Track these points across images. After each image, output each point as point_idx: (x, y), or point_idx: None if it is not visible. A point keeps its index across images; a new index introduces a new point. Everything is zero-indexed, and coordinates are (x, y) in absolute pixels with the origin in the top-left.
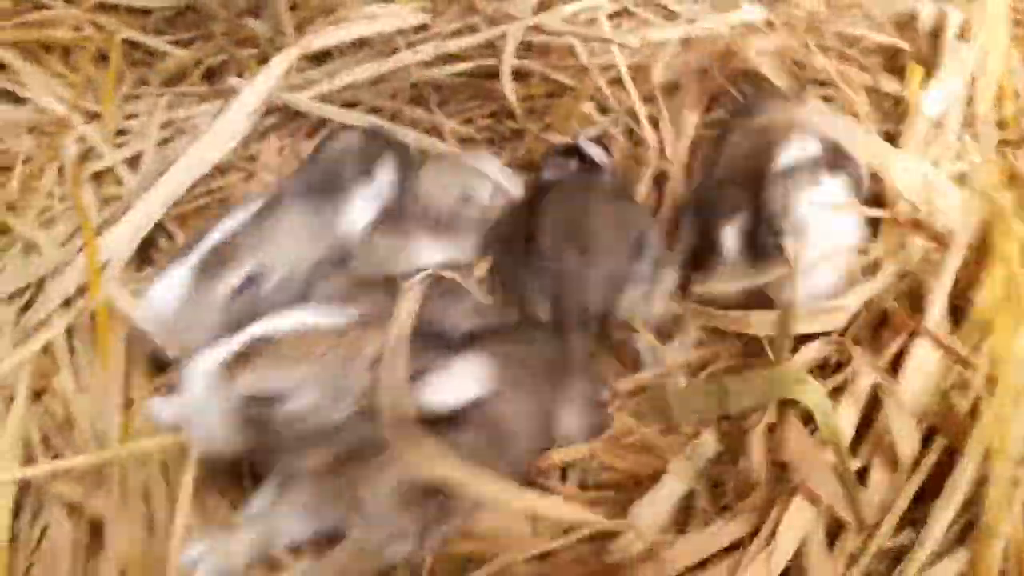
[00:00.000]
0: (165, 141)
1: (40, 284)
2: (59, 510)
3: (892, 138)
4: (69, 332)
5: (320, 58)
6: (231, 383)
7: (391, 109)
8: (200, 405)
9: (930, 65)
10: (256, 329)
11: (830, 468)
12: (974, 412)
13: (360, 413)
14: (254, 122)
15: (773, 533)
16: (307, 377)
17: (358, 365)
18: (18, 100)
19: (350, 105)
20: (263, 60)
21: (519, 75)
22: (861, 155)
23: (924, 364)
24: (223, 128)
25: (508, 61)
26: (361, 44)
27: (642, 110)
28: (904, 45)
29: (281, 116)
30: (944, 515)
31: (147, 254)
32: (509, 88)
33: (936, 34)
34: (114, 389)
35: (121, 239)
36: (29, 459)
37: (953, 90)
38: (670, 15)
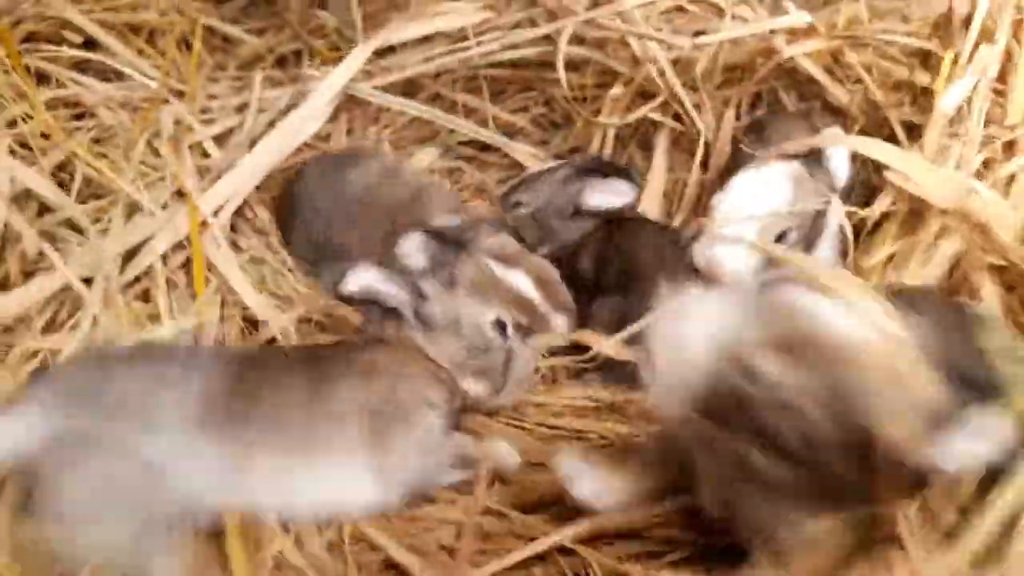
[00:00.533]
0: (242, 123)
1: (145, 241)
2: None
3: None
4: (168, 283)
5: (385, 49)
6: None
7: (449, 99)
8: None
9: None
10: None
11: None
12: None
13: None
14: (332, 108)
15: None
16: None
17: None
18: (109, 78)
19: (410, 94)
20: (333, 49)
21: (572, 66)
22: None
23: None
24: (306, 112)
25: (562, 51)
26: (425, 38)
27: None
28: (933, 47)
29: (348, 101)
30: None
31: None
32: (563, 77)
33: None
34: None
35: (215, 203)
36: None
37: (970, 87)
38: (720, 13)
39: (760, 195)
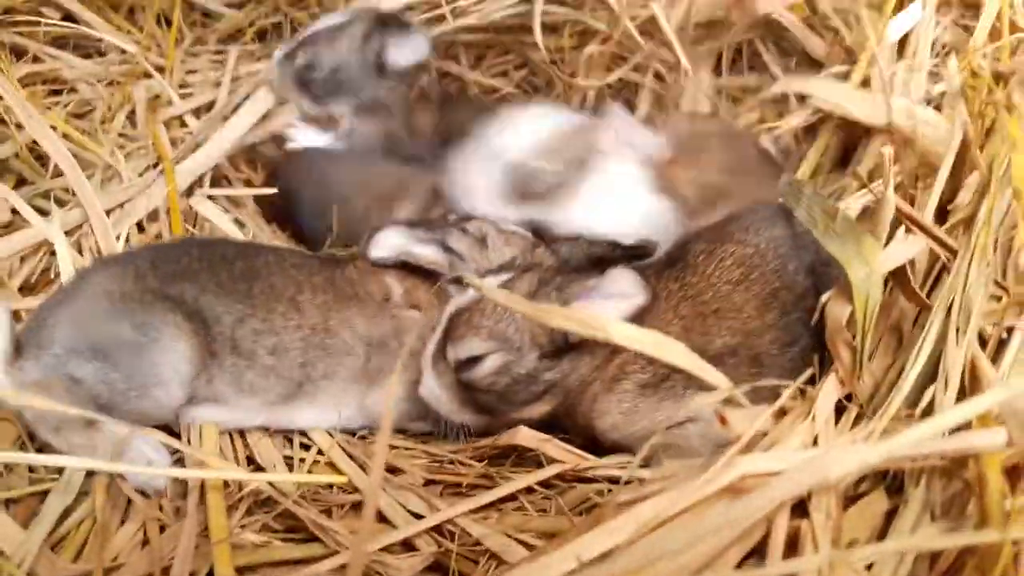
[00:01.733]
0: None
1: (120, 207)
2: None
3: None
4: None
5: None
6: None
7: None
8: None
9: None
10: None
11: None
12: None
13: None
14: None
15: None
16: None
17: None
18: (89, 53)
19: None
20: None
21: (550, 28)
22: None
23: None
24: None
25: (538, 12)
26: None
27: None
28: None
29: None
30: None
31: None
32: (539, 39)
33: None
34: None
35: (193, 171)
36: None
37: (917, 17)
38: None
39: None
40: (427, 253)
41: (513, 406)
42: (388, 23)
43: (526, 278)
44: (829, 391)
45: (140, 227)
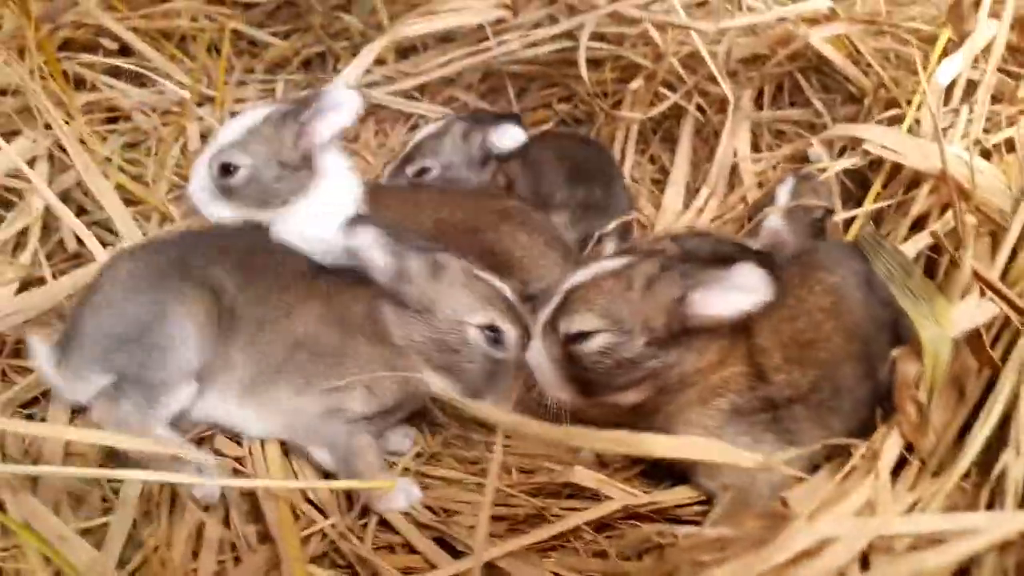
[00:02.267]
0: None
1: None
2: None
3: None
4: None
5: (406, 52)
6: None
7: (471, 100)
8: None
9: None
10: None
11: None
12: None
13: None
14: None
15: None
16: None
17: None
18: (143, 82)
19: (433, 96)
20: (356, 52)
21: (593, 62)
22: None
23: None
24: None
25: (584, 47)
26: (446, 39)
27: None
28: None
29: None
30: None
31: None
32: (584, 73)
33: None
34: None
35: None
36: None
37: (963, 61)
38: (739, 5)
39: None
40: (380, 261)
41: (610, 389)
42: (481, 119)
43: (648, 262)
44: (892, 447)
45: None
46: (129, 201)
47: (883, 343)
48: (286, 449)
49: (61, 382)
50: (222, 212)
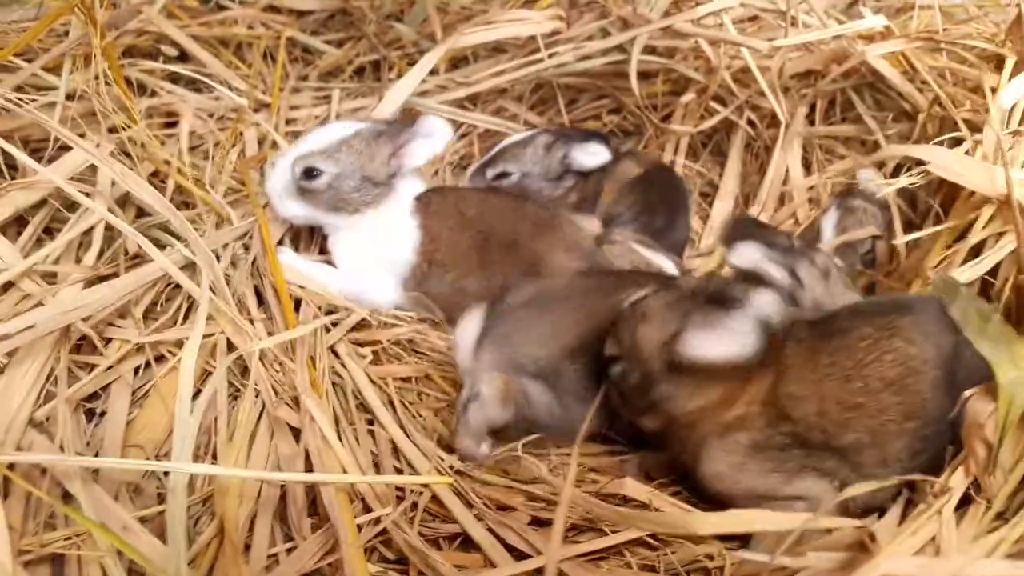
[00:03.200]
0: None
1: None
2: None
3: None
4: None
5: (457, 63)
6: None
7: (521, 112)
8: None
9: None
10: None
11: None
12: None
13: None
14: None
15: None
16: None
17: None
18: (200, 88)
19: (486, 105)
20: (410, 61)
21: (643, 75)
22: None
23: None
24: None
25: (635, 60)
26: (498, 50)
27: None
28: (1005, 51)
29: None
30: None
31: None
32: (636, 86)
33: None
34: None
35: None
36: None
37: None
38: (793, 21)
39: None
40: (777, 275)
41: (631, 413)
42: (569, 134)
43: (660, 295)
44: (959, 486)
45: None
46: (187, 204)
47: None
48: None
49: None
50: (294, 211)
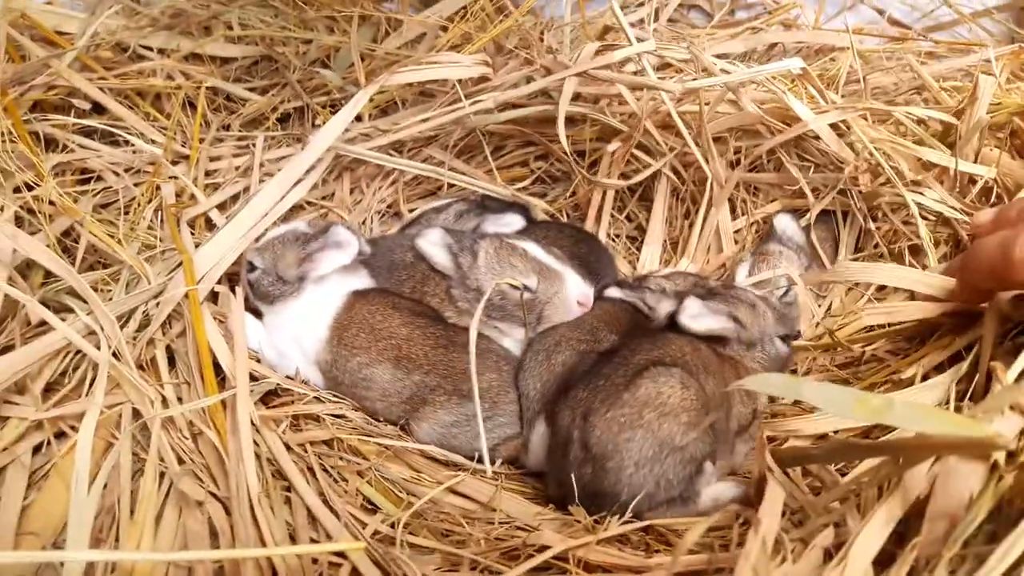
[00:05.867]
0: (247, 188)
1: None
2: None
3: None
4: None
5: (386, 110)
6: None
7: (447, 159)
8: None
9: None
10: None
11: None
12: None
13: None
14: (326, 164)
15: None
16: None
17: None
18: (116, 141)
19: (412, 153)
20: (334, 107)
21: (570, 121)
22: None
23: None
24: (295, 170)
25: (563, 108)
26: (425, 96)
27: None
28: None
29: (353, 160)
30: None
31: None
32: (563, 134)
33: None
34: None
35: (209, 268)
36: None
37: None
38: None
39: None
40: (721, 325)
41: None
42: (487, 205)
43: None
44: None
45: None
46: (103, 264)
47: None
48: None
49: None
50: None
